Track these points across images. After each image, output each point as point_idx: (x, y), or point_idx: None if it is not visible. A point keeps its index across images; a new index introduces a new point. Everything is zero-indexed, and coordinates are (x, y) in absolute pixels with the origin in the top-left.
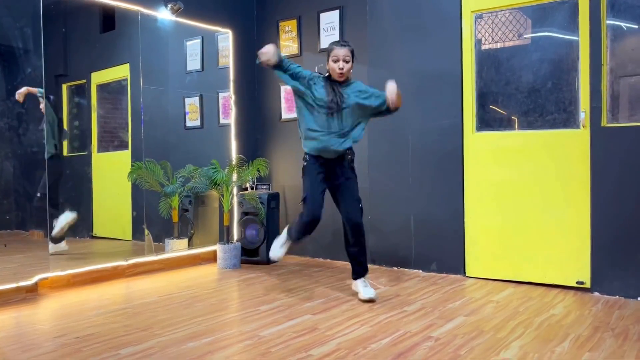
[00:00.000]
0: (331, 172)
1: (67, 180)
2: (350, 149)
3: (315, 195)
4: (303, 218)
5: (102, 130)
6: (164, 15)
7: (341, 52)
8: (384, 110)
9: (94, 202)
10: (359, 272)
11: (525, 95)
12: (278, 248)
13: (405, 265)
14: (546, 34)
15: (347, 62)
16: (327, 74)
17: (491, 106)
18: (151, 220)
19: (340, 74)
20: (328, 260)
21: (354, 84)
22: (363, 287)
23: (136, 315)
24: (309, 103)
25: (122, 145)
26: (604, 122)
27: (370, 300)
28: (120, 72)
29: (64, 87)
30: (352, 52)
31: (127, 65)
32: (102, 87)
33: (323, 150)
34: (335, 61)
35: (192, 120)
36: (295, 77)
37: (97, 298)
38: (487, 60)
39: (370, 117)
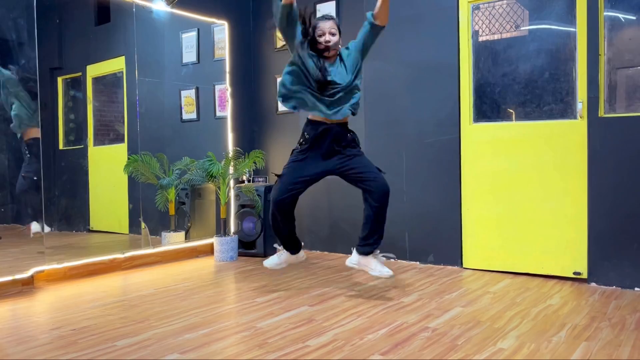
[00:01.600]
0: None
1: (64, 174)
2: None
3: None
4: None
5: (98, 124)
6: (160, 6)
7: (326, 25)
8: (373, 30)
9: (91, 195)
10: (375, 242)
11: (523, 86)
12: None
13: (402, 256)
14: (544, 26)
15: (333, 34)
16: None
17: (490, 97)
18: (148, 213)
19: (327, 47)
20: (325, 252)
21: (341, 53)
22: (377, 265)
23: (133, 307)
24: None
25: (118, 139)
26: (602, 113)
27: (391, 277)
28: (115, 64)
29: (59, 80)
30: (338, 26)
31: (123, 57)
32: (97, 80)
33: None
34: (321, 35)
35: (189, 112)
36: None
37: (94, 290)
38: (484, 52)
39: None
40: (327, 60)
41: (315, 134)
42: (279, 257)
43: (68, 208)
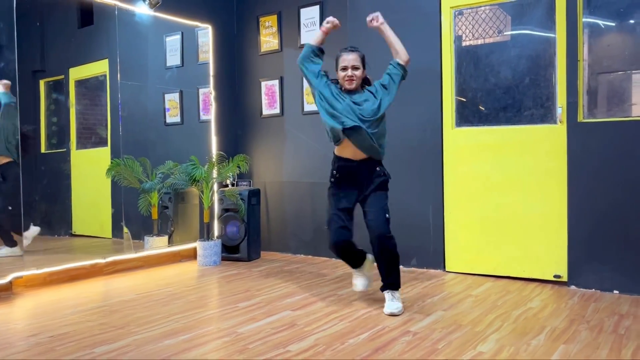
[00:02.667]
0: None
1: (46, 178)
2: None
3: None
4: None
5: (81, 127)
6: (142, 9)
7: (349, 57)
8: (398, 71)
9: (73, 199)
10: (385, 283)
11: (504, 91)
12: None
13: None
14: (525, 31)
15: (356, 68)
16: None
17: (471, 101)
18: (131, 218)
19: (350, 81)
20: (309, 256)
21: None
22: (388, 301)
23: (113, 313)
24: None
25: (102, 142)
26: (581, 118)
27: (392, 315)
28: (99, 67)
29: (41, 82)
30: (362, 58)
31: (106, 60)
32: (80, 83)
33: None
34: (344, 69)
35: (172, 116)
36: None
37: (74, 296)
38: (466, 56)
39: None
40: (351, 93)
41: (343, 173)
42: (363, 276)
43: (50, 212)
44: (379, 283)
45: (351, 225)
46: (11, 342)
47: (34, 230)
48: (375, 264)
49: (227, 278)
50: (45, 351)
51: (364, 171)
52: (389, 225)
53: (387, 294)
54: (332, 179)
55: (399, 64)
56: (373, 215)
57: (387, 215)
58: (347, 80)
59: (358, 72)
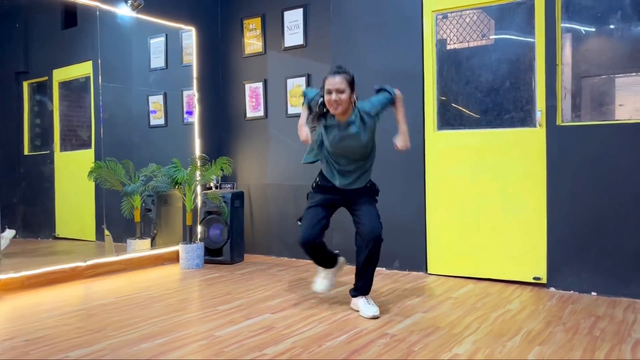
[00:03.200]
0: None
1: (29, 180)
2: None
3: (311, 216)
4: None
5: (64, 129)
6: (124, 11)
7: (334, 80)
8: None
9: (57, 202)
10: (363, 289)
11: (485, 94)
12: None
13: None
14: (506, 35)
15: (341, 92)
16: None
17: (453, 104)
18: (113, 220)
19: (336, 106)
20: (293, 259)
21: (357, 110)
22: (365, 305)
23: (91, 317)
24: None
25: (86, 144)
26: (559, 121)
27: (374, 318)
28: (83, 69)
29: (25, 84)
30: (349, 81)
31: (90, 62)
32: (64, 85)
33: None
34: (329, 92)
35: (157, 118)
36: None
37: (52, 300)
38: (447, 60)
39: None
40: (341, 118)
41: (327, 186)
42: (328, 278)
43: (33, 214)
44: (342, 288)
45: (327, 225)
46: None
47: (9, 232)
48: (346, 267)
49: (209, 281)
50: (20, 355)
51: (351, 194)
52: None
53: (362, 299)
54: (315, 187)
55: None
56: (368, 219)
57: (380, 220)
58: (331, 105)
59: (343, 96)
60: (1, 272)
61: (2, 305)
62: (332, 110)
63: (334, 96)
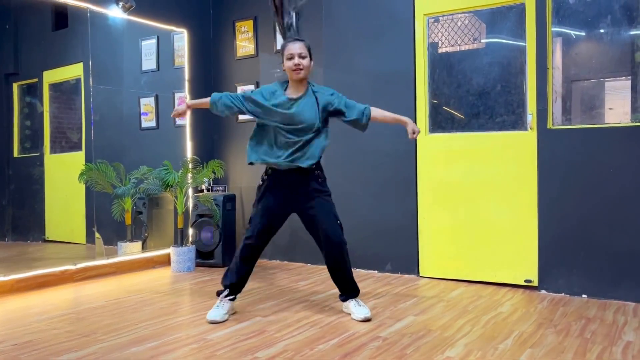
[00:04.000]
0: (295, 194)
1: (18, 182)
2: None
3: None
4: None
5: (55, 131)
6: (115, 13)
7: (295, 46)
8: (351, 122)
9: (47, 204)
10: (349, 292)
11: (476, 97)
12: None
13: (360, 265)
14: (497, 39)
15: (303, 57)
16: (285, 80)
17: (444, 107)
18: (104, 223)
19: (298, 70)
20: (285, 262)
21: (323, 89)
22: (356, 307)
23: (80, 320)
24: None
25: (76, 146)
26: (550, 125)
27: (367, 320)
28: (73, 71)
29: (15, 86)
30: (308, 48)
31: (81, 64)
32: (54, 87)
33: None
34: (290, 58)
35: (148, 120)
36: (249, 107)
37: (42, 303)
38: (439, 63)
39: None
40: (296, 90)
41: (270, 180)
42: (224, 307)
43: (22, 217)
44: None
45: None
46: None
47: None
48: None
49: (200, 284)
50: None
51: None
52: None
53: (352, 301)
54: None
55: (367, 118)
56: (327, 223)
57: (339, 221)
58: (294, 70)
59: (305, 61)
60: None
61: None
62: (294, 76)
63: (296, 60)
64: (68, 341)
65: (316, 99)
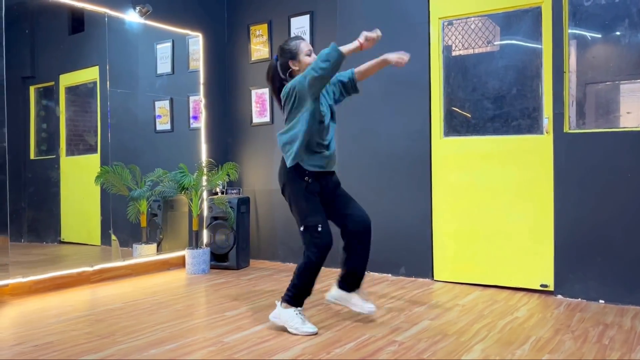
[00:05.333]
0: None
1: (34, 184)
2: None
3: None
4: (316, 250)
5: (70, 134)
6: (132, 17)
7: (307, 43)
8: (348, 85)
9: (62, 206)
10: (357, 285)
11: (492, 101)
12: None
13: (374, 269)
14: (512, 41)
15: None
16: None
17: (453, 108)
18: (119, 225)
19: None
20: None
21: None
22: (364, 302)
23: (99, 322)
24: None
25: (92, 149)
26: (567, 128)
27: (371, 312)
28: (89, 74)
29: (31, 89)
30: None
31: (97, 67)
32: (70, 90)
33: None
34: (309, 54)
35: (163, 123)
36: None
37: (60, 305)
38: (454, 67)
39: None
40: None
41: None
42: (306, 322)
43: (38, 219)
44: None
45: None
46: None
47: None
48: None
49: (215, 287)
50: None
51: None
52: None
53: (356, 295)
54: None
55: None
56: (356, 207)
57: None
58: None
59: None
60: (9, 277)
61: (10, 310)
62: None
63: (313, 56)
64: (87, 342)
65: None
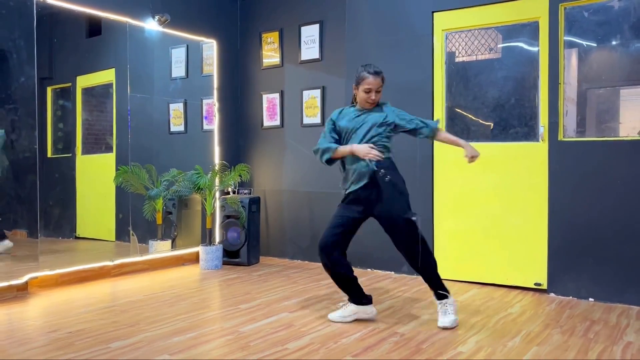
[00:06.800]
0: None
1: (51, 181)
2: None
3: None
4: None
5: (86, 133)
6: (152, 26)
7: (375, 82)
8: (423, 134)
9: (78, 203)
10: (436, 294)
11: (491, 109)
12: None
13: (378, 267)
14: (512, 53)
15: (378, 92)
16: (353, 102)
17: (456, 109)
18: (136, 222)
19: (372, 104)
20: (306, 262)
21: (386, 107)
22: (442, 315)
23: (123, 312)
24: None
25: (107, 148)
26: (561, 137)
27: (445, 329)
28: (106, 76)
29: (49, 89)
30: (383, 80)
31: (113, 70)
32: (87, 91)
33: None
34: (368, 92)
35: (176, 125)
36: (336, 138)
37: (85, 296)
38: (456, 76)
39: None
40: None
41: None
42: (344, 311)
43: (55, 214)
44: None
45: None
46: (32, 337)
47: (7, 243)
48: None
49: (228, 281)
50: (66, 345)
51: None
52: None
53: (440, 306)
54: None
55: (432, 130)
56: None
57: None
58: (369, 102)
59: (379, 96)
60: (39, 270)
61: (40, 301)
62: (365, 106)
63: (373, 96)
64: (116, 330)
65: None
